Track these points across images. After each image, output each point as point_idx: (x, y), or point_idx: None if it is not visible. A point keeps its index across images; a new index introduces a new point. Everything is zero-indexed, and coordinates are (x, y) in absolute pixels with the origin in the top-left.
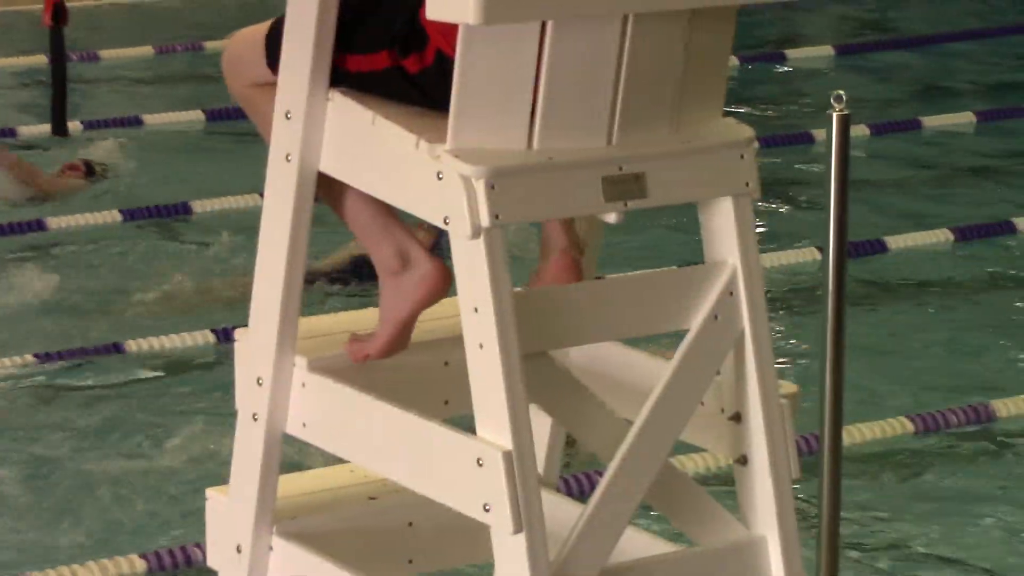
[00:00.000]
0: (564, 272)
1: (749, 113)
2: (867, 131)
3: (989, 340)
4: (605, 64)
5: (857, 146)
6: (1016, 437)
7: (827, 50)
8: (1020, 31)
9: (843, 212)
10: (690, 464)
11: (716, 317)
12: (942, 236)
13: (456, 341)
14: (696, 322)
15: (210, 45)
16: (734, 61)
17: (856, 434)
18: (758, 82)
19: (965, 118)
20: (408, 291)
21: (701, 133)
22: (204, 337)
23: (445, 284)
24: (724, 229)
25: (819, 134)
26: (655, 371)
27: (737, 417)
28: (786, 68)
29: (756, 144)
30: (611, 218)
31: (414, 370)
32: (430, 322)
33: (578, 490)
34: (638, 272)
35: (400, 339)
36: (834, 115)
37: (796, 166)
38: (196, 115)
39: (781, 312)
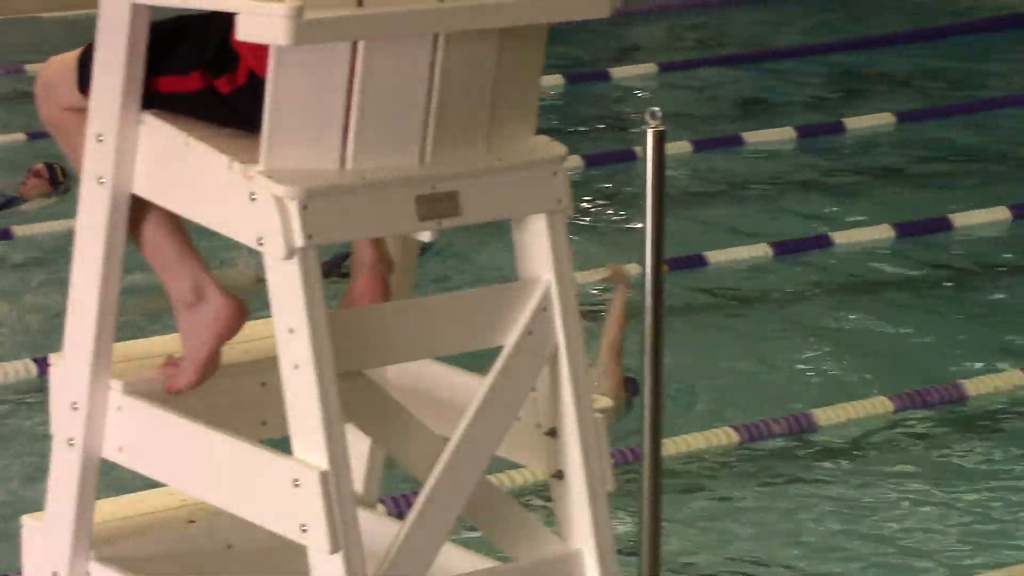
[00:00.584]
0: (372, 290)
1: (574, 131)
2: (689, 147)
3: (806, 351)
4: (417, 83)
5: (680, 162)
6: (836, 443)
7: (651, 67)
8: (842, 48)
9: (660, 227)
10: (519, 479)
11: (530, 333)
12: (762, 250)
13: (273, 362)
14: (511, 338)
15: (31, 67)
16: (559, 79)
17: (683, 444)
18: (583, 100)
19: (787, 133)
20: (203, 326)
21: (514, 151)
22: (26, 367)
23: (238, 320)
24: (538, 246)
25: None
26: (471, 388)
27: (553, 432)
28: (611, 85)
29: (569, 161)
30: (425, 236)
31: (231, 392)
32: (247, 343)
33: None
34: (452, 291)
35: (207, 368)
36: (649, 132)
37: (620, 183)
38: (18, 137)
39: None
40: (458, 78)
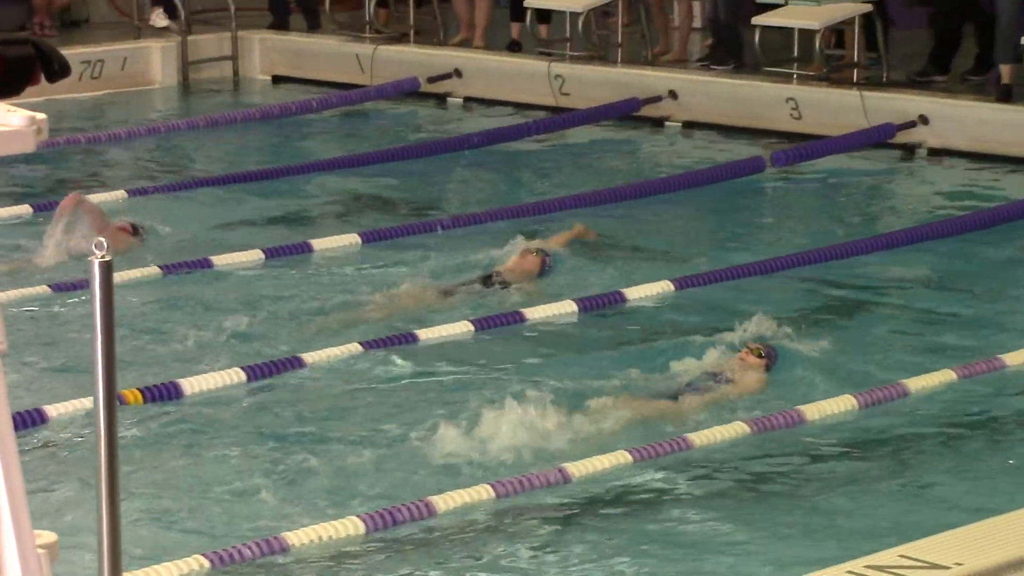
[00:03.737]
0: None
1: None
2: (160, 272)
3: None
4: None
5: (153, 284)
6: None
7: (120, 194)
8: (320, 169)
9: (111, 355)
10: None
11: None
12: (235, 375)
13: None
14: None
15: None
16: (27, 208)
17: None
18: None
19: (255, 254)
20: None
21: None
22: None
23: None
24: None
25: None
26: None
27: None
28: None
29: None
30: None
31: None
32: None
33: None
34: None
35: None
36: (95, 262)
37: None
38: None
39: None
40: None
